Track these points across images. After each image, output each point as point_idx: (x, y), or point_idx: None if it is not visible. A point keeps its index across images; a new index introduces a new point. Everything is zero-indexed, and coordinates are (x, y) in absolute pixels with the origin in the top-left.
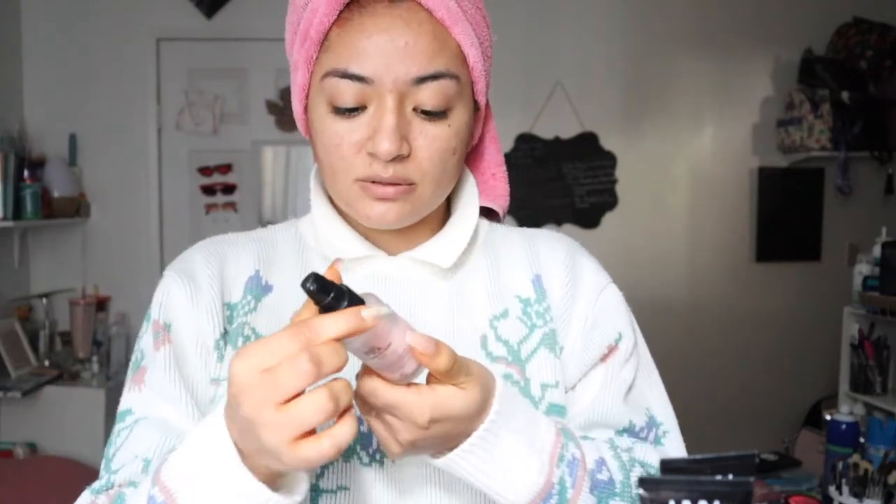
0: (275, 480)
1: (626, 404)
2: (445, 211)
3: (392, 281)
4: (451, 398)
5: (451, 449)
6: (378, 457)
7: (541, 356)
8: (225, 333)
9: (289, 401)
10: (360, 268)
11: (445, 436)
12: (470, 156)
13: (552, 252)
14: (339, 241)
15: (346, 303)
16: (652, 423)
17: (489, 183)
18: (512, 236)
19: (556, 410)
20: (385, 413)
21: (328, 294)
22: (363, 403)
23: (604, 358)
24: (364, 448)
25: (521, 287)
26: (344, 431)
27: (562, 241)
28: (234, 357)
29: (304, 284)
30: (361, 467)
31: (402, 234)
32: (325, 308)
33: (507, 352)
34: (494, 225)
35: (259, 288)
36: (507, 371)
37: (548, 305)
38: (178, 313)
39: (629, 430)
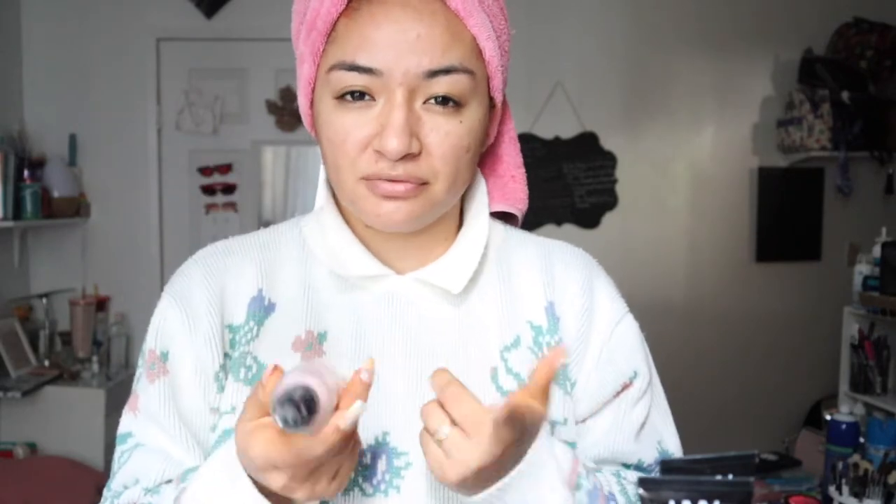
0: None
1: (636, 442)
2: (458, 217)
3: (400, 302)
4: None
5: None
6: (383, 487)
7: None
8: (225, 361)
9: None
10: (368, 286)
11: (524, 449)
12: (487, 157)
13: (567, 272)
14: (348, 258)
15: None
16: (664, 458)
17: (508, 185)
18: (528, 248)
19: None
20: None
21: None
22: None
23: (617, 394)
24: (367, 480)
25: (534, 313)
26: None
27: (579, 261)
28: (250, 445)
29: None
30: (364, 498)
31: (413, 245)
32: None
33: (517, 386)
34: (510, 231)
35: (262, 310)
36: None
37: (559, 338)
38: (176, 342)
39: (637, 467)
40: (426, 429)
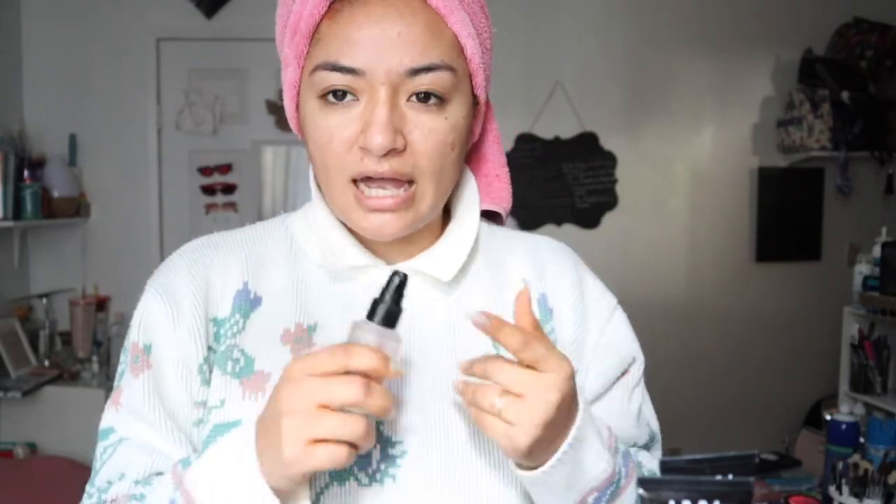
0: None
1: (637, 426)
2: (444, 213)
3: None
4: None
5: (541, 462)
6: (378, 477)
7: None
8: (209, 354)
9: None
10: (359, 276)
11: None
12: (472, 156)
13: (558, 267)
14: (338, 250)
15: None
16: (653, 437)
17: (493, 185)
18: (513, 243)
19: None
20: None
21: (393, 302)
22: (475, 400)
23: (617, 380)
24: (362, 469)
25: None
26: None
27: (566, 257)
28: (295, 359)
29: (393, 276)
30: (360, 489)
31: (401, 238)
32: (376, 304)
33: None
34: (493, 228)
35: (248, 303)
36: None
37: (552, 328)
38: (159, 334)
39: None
40: (481, 409)
